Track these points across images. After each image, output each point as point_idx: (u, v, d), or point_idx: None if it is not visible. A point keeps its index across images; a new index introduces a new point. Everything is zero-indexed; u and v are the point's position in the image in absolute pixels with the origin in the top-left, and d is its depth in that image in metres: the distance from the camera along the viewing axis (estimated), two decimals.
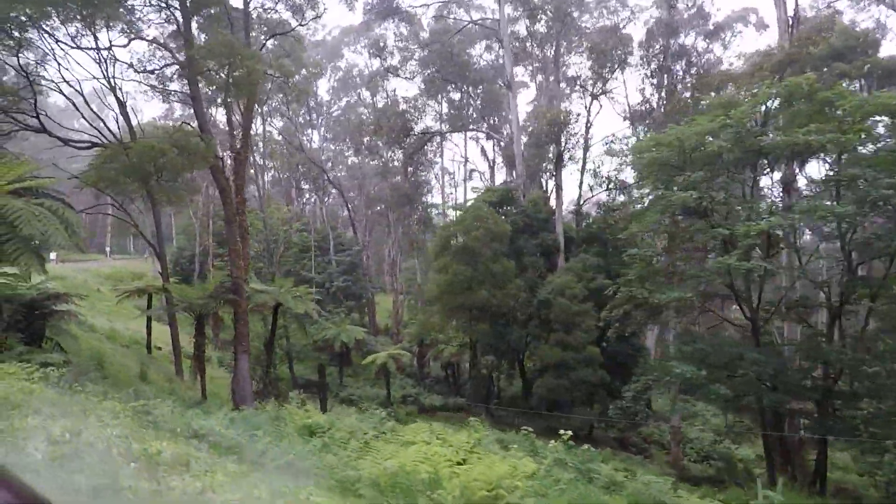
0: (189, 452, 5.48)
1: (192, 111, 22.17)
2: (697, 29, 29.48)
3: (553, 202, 31.86)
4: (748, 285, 16.77)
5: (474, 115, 44.75)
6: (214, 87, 18.29)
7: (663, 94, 25.92)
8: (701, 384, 14.43)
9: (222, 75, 18.49)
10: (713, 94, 23.61)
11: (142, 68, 20.41)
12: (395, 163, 53.33)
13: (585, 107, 31.66)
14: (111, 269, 51.33)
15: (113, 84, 22.41)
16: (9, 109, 16.42)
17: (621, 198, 30.50)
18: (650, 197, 19.69)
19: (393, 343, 48.91)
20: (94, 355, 20.48)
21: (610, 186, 29.79)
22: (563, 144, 29.49)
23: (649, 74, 26.90)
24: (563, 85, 30.60)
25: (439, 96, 41.11)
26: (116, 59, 20.96)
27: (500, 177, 53.45)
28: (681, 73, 25.71)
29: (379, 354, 35.17)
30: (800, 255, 18.35)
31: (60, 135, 21.06)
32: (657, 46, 25.85)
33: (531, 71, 45.93)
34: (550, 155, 31.77)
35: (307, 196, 66.63)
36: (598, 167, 30.06)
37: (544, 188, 32.47)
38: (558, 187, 30.07)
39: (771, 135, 16.05)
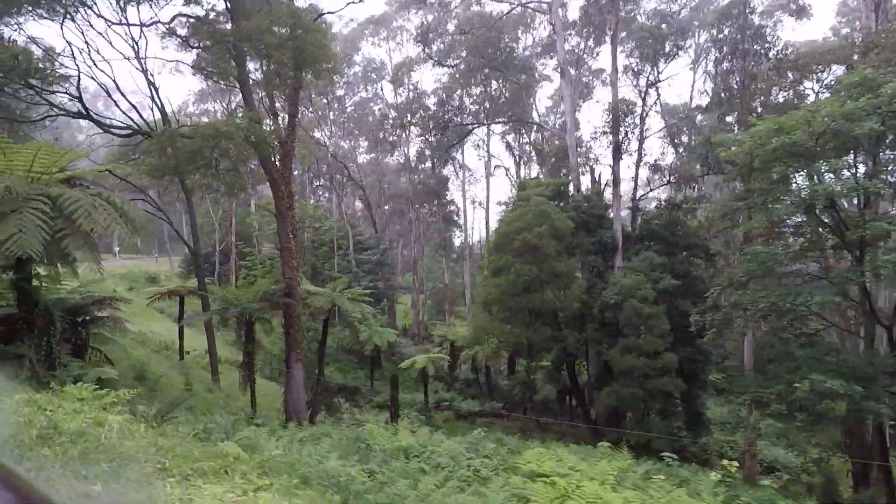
0: None
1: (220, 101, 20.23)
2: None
3: (604, 197, 30.02)
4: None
5: (504, 107, 42.78)
6: (273, 63, 16.21)
7: (736, 79, 23.96)
8: (856, 400, 12.49)
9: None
10: (803, 77, 21.71)
11: (184, 45, 18.31)
12: (413, 158, 51.51)
13: (640, 95, 29.75)
14: (124, 270, 49.21)
15: (145, 67, 20.45)
16: (49, 90, 14.39)
17: (677, 194, 28.61)
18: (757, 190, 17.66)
19: (414, 344, 47.08)
20: (136, 365, 18.50)
21: (671, 180, 27.91)
22: (621, 135, 27.55)
23: (720, 59, 24.95)
24: (613, 73, 28.63)
25: (476, 86, 39.02)
26: (147, 42, 19.00)
27: (525, 172, 51.64)
28: (758, 56, 23.73)
29: (417, 358, 33.26)
30: None
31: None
32: (733, 26, 23.89)
33: (553, 64, 44.11)
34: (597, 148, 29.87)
35: (321, 193, 64.60)
36: (659, 160, 28.20)
37: (597, 181, 30.53)
38: (615, 181, 28.13)
39: None
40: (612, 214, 28.53)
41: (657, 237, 27.94)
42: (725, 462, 10.43)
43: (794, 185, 14.72)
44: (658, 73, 29.78)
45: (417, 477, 9.66)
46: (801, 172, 14.67)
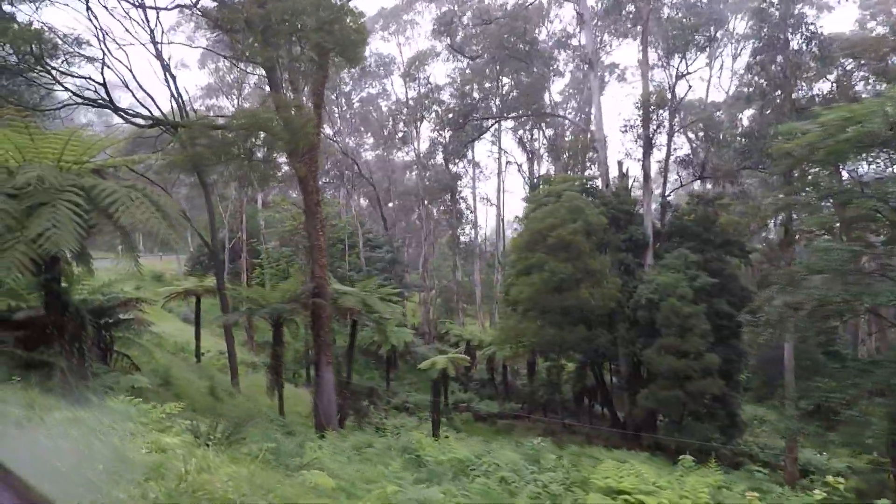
0: None
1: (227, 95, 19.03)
2: None
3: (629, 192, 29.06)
4: None
5: (520, 102, 41.68)
6: (309, 47, 15.15)
7: (778, 69, 22.99)
8: None
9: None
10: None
11: (213, 27, 17.21)
12: (424, 153, 50.35)
13: (669, 87, 28.78)
14: (127, 268, 47.93)
15: (160, 52, 19.36)
16: (69, 72, 13.34)
17: (710, 189, 27.63)
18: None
19: (425, 343, 46.09)
20: (159, 370, 17.48)
21: (704, 174, 26.97)
22: (652, 129, 26.58)
23: (758, 49, 23.95)
24: (644, 65, 27.62)
25: (493, 80, 37.89)
26: (162, 28, 17.93)
27: (538, 168, 50.61)
28: (800, 45, 22.78)
29: (438, 359, 32.22)
30: None
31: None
32: (773, 15, 22.91)
33: (565, 58, 43.02)
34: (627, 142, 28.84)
35: (328, 191, 63.46)
36: (691, 154, 27.20)
37: (625, 176, 29.52)
38: (646, 176, 27.15)
39: None
40: (641, 210, 27.59)
41: (689, 234, 26.98)
42: (830, 478, 9.46)
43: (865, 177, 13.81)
44: (687, 64, 28.87)
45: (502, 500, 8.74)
46: (878, 162, 13.71)
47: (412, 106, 48.58)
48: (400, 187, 63.30)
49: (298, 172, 17.64)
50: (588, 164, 45.65)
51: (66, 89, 14.70)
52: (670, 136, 27.87)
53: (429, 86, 46.83)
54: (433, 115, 42.17)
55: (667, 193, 28.96)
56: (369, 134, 61.60)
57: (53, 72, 13.86)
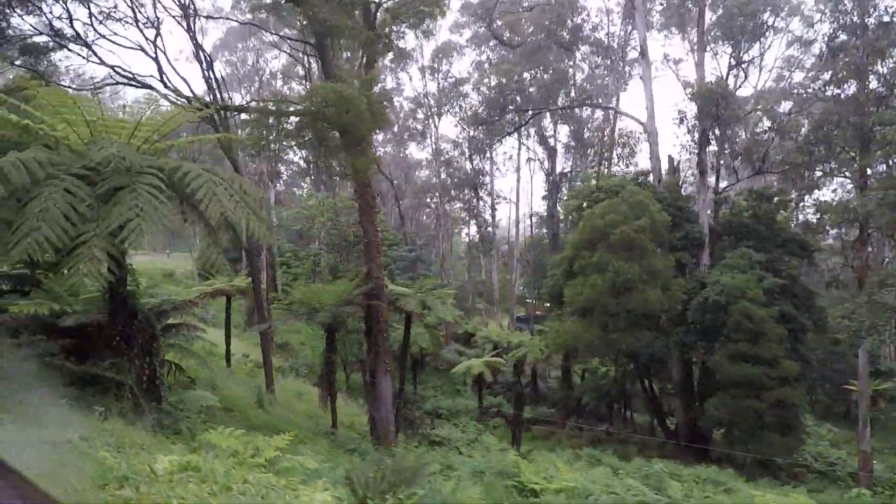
0: None
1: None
2: None
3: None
4: None
5: (551, 93, 40.01)
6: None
7: (855, 55, 21.46)
8: None
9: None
10: None
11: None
12: (449, 149, 48.71)
13: (721, 76, 27.28)
14: (139, 266, 46.07)
15: (192, 27, 17.61)
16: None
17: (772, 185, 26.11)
18: None
19: (444, 344, 44.47)
20: (207, 380, 15.80)
21: (764, 169, 25.49)
22: (710, 121, 25.02)
23: (833, 34, 22.45)
24: (700, 52, 26.09)
25: (531, 69, 36.11)
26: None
27: (561, 165, 49.02)
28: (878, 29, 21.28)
29: (473, 363, 30.86)
30: None
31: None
32: None
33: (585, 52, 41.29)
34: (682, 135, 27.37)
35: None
36: (747, 148, 25.68)
37: (676, 170, 27.97)
38: (702, 171, 25.61)
39: None
40: (696, 207, 26.07)
41: (747, 231, 25.48)
42: None
43: None
44: (742, 52, 27.37)
45: None
46: None
47: (430, 101, 46.92)
48: (412, 185, 61.65)
49: (357, 164, 15.95)
50: (616, 159, 44.18)
51: (107, 65, 13.03)
52: (726, 127, 26.29)
53: (451, 79, 45.20)
54: (457, 108, 40.48)
55: (722, 189, 27.41)
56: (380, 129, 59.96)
57: (95, 45, 12.18)
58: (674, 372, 26.26)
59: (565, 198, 32.77)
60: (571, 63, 34.39)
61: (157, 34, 12.40)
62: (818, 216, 23.18)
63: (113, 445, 5.94)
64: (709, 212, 26.69)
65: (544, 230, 53.30)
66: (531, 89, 34.95)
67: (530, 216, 53.75)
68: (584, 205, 26.56)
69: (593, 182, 30.01)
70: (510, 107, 34.14)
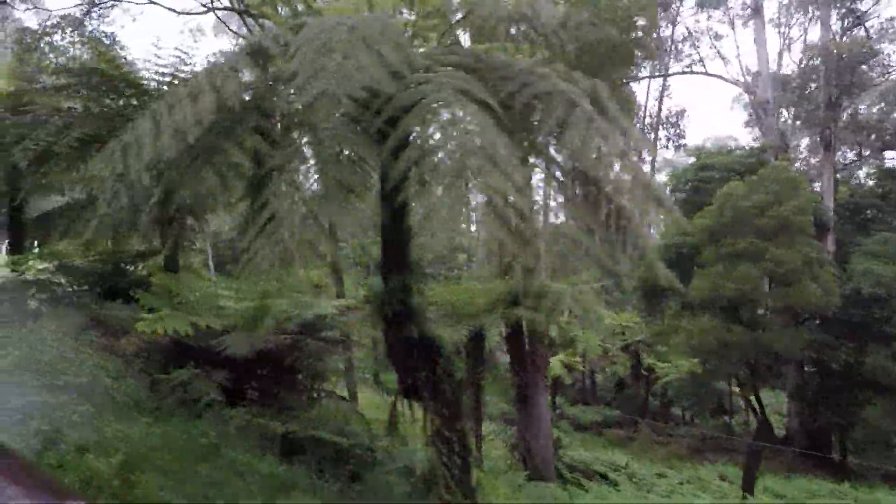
0: None
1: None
2: None
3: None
4: None
5: None
6: None
7: None
8: None
9: None
10: None
11: None
12: None
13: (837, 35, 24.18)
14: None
15: None
16: None
17: None
18: None
19: None
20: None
21: (891, 143, 22.66)
22: (839, 88, 21.99)
23: None
24: (825, 8, 22.94)
25: None
26: None
27: None
28: None
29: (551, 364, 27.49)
30: None
31: None
32: None
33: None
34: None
35: None
36: (876, 120, 22.81)
37: (788, 146, 24.90)
38: (827, 146, 22.62)
39: None
40: (818, 187, 23.14)
41: (876, 215, 22.67)
42: None
43: None
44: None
45: None
46: None
47: None
48: None
49: None
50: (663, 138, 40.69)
51: None
52: (848, 96, 23.28)
53: None
54: None
55: (844, 164, 24.47)
56: None
57: None
58: (788, 373, 23.43)
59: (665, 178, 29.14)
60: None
61: None
62: None
63: None
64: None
65: None
66: None
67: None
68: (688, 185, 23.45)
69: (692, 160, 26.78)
70: None
